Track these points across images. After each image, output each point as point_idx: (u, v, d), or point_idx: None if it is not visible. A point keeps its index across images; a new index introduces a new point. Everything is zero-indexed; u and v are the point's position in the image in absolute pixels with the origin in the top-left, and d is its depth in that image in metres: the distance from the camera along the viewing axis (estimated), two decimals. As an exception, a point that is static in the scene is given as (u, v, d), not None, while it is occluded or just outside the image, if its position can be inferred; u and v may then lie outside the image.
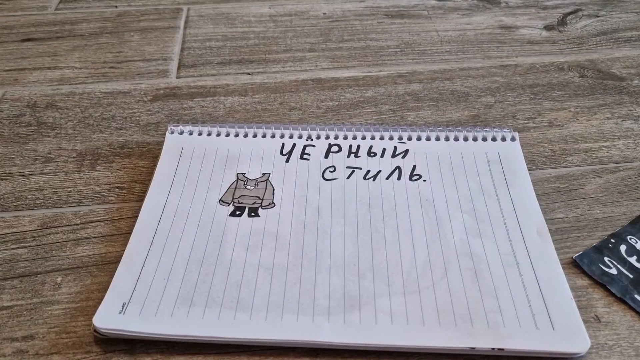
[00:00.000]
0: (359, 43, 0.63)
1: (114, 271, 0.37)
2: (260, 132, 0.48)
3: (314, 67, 0.59)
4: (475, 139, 0.47)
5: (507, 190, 0.43)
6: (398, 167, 0.45)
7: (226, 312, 0.35)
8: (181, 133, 0.47)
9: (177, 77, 0.57)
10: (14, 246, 0.40)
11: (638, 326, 0.35)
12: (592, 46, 0.61)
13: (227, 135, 0.47)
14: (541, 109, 0.52)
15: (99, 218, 0.42)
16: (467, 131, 0.47)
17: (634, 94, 0.54)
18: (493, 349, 0.33)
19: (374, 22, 0.66)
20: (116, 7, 0.70)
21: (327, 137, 0.47)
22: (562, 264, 0.37)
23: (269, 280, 0.37)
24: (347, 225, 0.40)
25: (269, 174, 0.44)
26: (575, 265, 0.38)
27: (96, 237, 0.41)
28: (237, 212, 0.41)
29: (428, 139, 0.47)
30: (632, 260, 0.38)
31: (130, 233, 0.40)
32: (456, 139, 0.47)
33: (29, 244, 0.40)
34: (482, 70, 0.58)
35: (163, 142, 0.47)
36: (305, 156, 0.46)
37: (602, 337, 0.34)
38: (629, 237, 0.39)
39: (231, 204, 0.42)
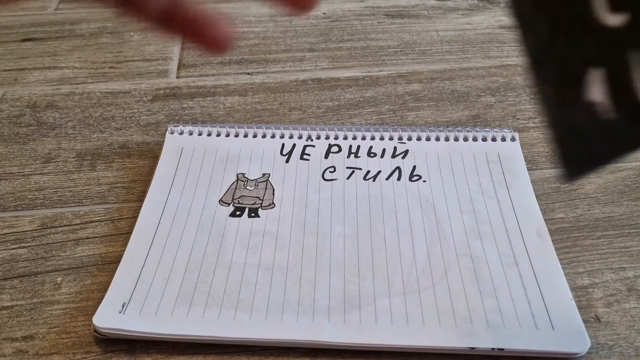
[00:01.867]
0: (359, 43, 0.63)
1: (114, 271, 0.37)
2: (260, 132, 0.47)
3: (314, 67, 0.59)
4: (475, 139, 0.47)
5: (506, 190, 0.42)
6: (398, 168, 0.45)
7: (226, 312, 0.35)
8: (181, 133, 0.47)
9: (177, 77, 0.57)
10: (14, 246, 0.40)
11: (638, 326, 0.35)
12: (592, 46, 0.61)
13: (227, 135, 0.47)
14: (541, 109, 0.52)
15: (99, 218, 0.42)
16: (467, 131, 0.47)
17: (634, 94, 0.54)
18: (493, 349, 0.33)
19: (374, 22, 0.66)
20: (116, 7, 0.70)
21: (327, 138, 0.47)
22: (562, 264, 0.37)
23: (269, 280, 0.37)
24: (347, 226, 0.40)
25: (269, 174, 0.44)
26: (576, 265, 0.38)
27: (96, 237, 0.41)
28: (237, 213, 0.41)
29: (428, 139, 0.47)
30: None
31: (130, 233, 0.40)
32: (456, 139, 0.47)
33: (29, 244, 0.40)
34: (482, 70, 0.58)
35: (163, 142, 0.47)
36: (305, 156, 0.46)
37: (602, 337, 0.34)
38: None
39: (231, 205, 0.42)
